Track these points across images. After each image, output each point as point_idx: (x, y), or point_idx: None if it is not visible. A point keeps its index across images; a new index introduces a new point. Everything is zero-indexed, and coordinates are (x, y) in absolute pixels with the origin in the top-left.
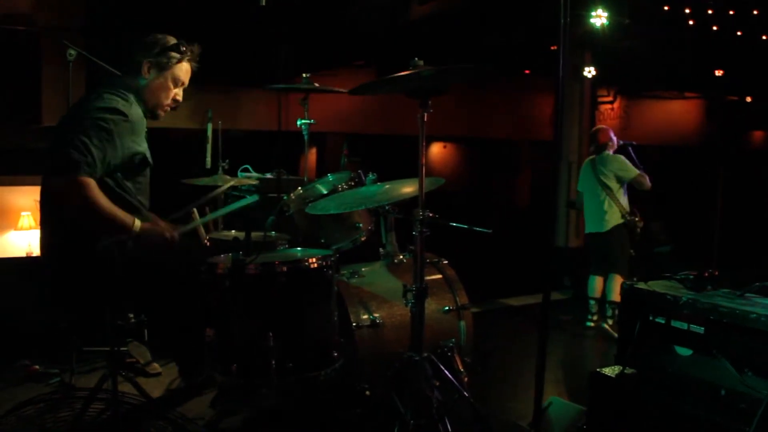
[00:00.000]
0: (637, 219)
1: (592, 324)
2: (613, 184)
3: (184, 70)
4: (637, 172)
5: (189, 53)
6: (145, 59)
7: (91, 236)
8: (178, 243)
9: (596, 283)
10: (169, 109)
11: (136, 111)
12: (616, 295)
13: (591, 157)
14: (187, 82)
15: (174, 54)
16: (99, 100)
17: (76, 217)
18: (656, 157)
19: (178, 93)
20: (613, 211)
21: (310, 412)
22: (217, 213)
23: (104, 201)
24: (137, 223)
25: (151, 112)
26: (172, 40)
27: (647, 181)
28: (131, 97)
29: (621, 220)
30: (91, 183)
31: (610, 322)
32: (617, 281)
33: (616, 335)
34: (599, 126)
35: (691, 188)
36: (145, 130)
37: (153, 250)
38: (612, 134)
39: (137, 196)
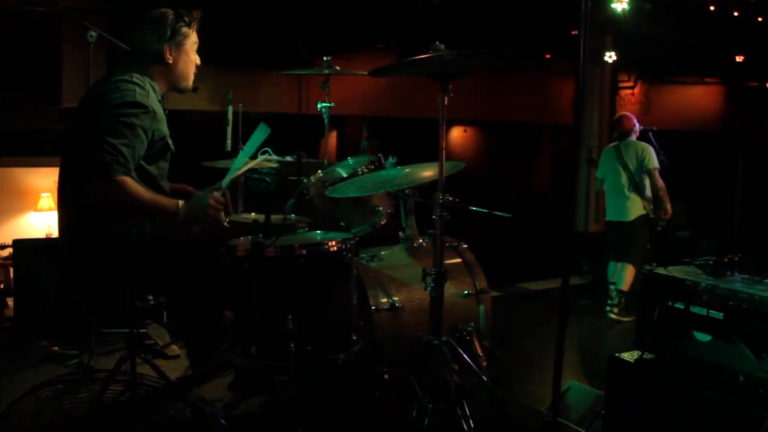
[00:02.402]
0: (660, 213)
1: (610, 308)
2: (638, 172)
3: (195, 35)
4: (656, 166)
5: (194, 19)
6: (163, 44)
7: (108, 219)
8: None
9: (616, 268)
10: (193, 76)
11: (153, 97)
12: (625, 285)
13: (614, 143)
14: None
15: (184, 28)
16: (116, 92)
17: (122, 213)
18: (676, 142)
19: (197, 58)
20: (637, 199)
21: (329, 395)
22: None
23: (145, 192)
24: (182, 203)
25: (183, 89)
26: (172, 14)
27: (660, 180)
28: (146, 81)
29: (644, 211)
30: (128, 180)
31: (616, 310)
32: (629, 271)
33: (624, 319)
34: (623, 113)
35: (711, 173)
36: (165, 113)
37: (204, 224)
38: (635, 121)
39: (160, 182)
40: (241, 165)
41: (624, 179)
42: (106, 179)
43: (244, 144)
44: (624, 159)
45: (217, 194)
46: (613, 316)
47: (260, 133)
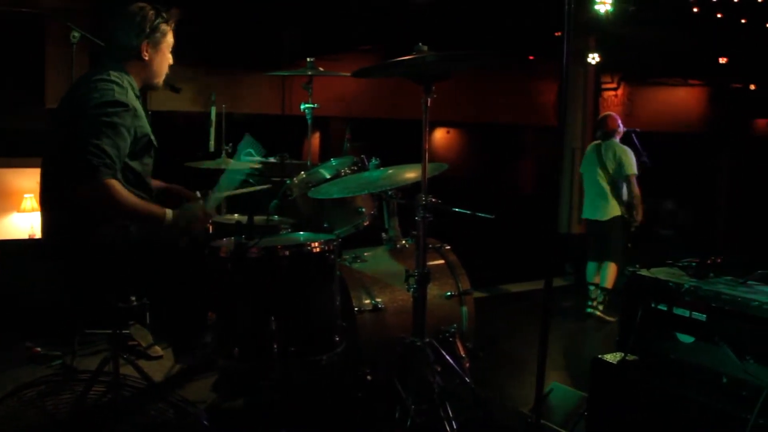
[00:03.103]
0: (634, 213)
1: (591, 310)
2: (617, 174)
3: (171, 33)
4: (634, 172)
5: (172, 17)
6: (142, 41)
7: (92, 220)
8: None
9: (595, 269)
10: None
11: (132, 95)
12: (609, 283)
13: (597, 142)
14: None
15: (163, 26)
16: (94, 92)
17: (107, 217)
18: (660, 143)
19: (171, 58)
20: (614, 200)
21: (312, 396)
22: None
23: (132, 197)
24: (169, 213)
25: (154, 86)
26: (151, 11)
27: (636, 187)
28: (125, 79)
29: (620, 212)
30: (116, 184)
31: (601, 308)
32: (612, 269)
33: (608, 319)
34: (608, 113)
35: (695, 175)
36: (147, 113)
37: (189, 234)
38: (620, 122)
39: (145, 178)
40: (231, 184)
41: (602, 180)
42: (93, 182)
43: (227, 145)
44: (603, 160)
45: (208, 206)
46: (597, 313)
47: (246, 145)
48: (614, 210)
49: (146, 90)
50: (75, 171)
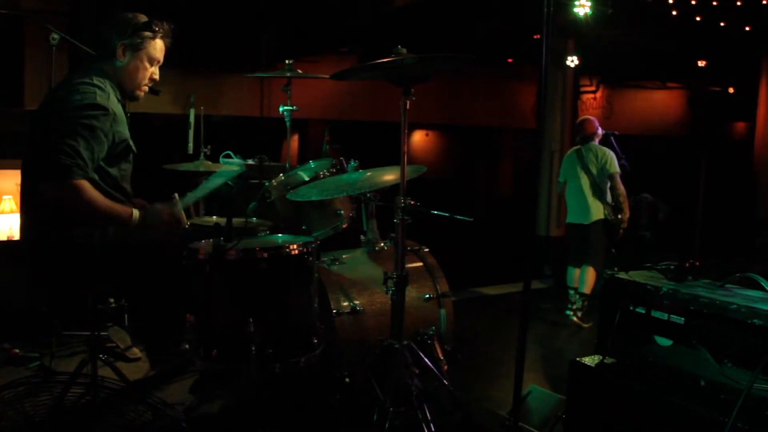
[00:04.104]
0: (620, 216)
1: (570, 314)
2: (600, 176)
3: (158, 48)
4: (617, 170)
5: (161, 31)
6: (119, 42)
7: (70, 221)
8: (180, 222)
9: (575, 273)
10: (147, 89)
11: (113, 100)
12: (587, 288)
13: (576, 147)
14: (162, 59)
15: (147, 33)
16: (76, 94)
17: (75, 217)
18: (638, 147)
19: (154, 72)
20: (597, 203)
21: (290, 398)
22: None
23: (101, 199)
24: (136, 213)
25: (129, 94)
26: (143, 19)
27: (621, 185)
28: (107, 84)
29: (603, 215)
30: (85, 185)
31: (579, 314)
32: (590, 274)
33: (584, 325)
34: (586, 116)
35: (673, 177)
36: (126, 116)
37: (157, 234)
38: (598, 125)
39: (122, 183)
40: (204, 190)
41: (585, 183)
42: (63, 181)
43: (205, 147)
44: (586, 162)
45: (174, 208)
46: (575, 319)
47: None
48: (597, 213)
49: (124, 99)
50: (46, 170)
